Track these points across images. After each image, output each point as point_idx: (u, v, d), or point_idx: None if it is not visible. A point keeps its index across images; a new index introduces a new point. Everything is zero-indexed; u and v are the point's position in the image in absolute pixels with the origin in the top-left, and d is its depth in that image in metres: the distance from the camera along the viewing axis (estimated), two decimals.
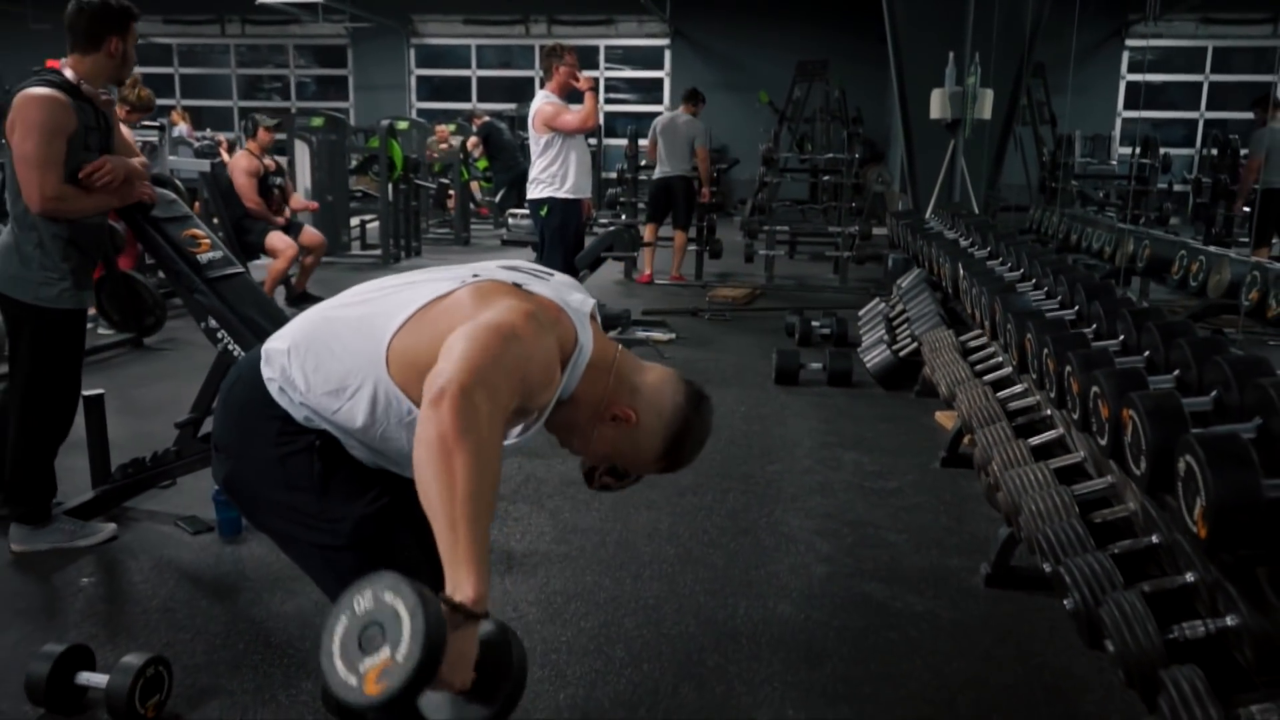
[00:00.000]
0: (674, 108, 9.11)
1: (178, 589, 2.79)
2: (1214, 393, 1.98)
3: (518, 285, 1.53)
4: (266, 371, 1.58)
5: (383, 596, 1.07)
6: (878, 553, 3.09)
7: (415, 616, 1.05)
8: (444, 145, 11.44)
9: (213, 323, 3.03)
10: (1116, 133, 13.83)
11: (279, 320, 3.13)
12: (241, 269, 3.18)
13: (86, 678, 2.18)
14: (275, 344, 1.60)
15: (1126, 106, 14.38)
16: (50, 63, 2.90)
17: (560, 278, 1.66)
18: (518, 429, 1.55)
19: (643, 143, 9.04)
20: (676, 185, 8.21)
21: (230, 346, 3.03)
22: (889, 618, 2.68)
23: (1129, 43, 14.21)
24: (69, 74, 2.84)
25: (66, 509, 3.12)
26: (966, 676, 2.39)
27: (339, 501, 1.56)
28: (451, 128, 12.43)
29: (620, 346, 1.64)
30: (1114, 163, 11.54)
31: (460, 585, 1.16)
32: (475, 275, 1.56)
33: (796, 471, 3.82)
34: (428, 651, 1.03)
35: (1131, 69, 14.39)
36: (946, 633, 2.60)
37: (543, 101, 5.64)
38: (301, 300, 6.65)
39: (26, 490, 2.96)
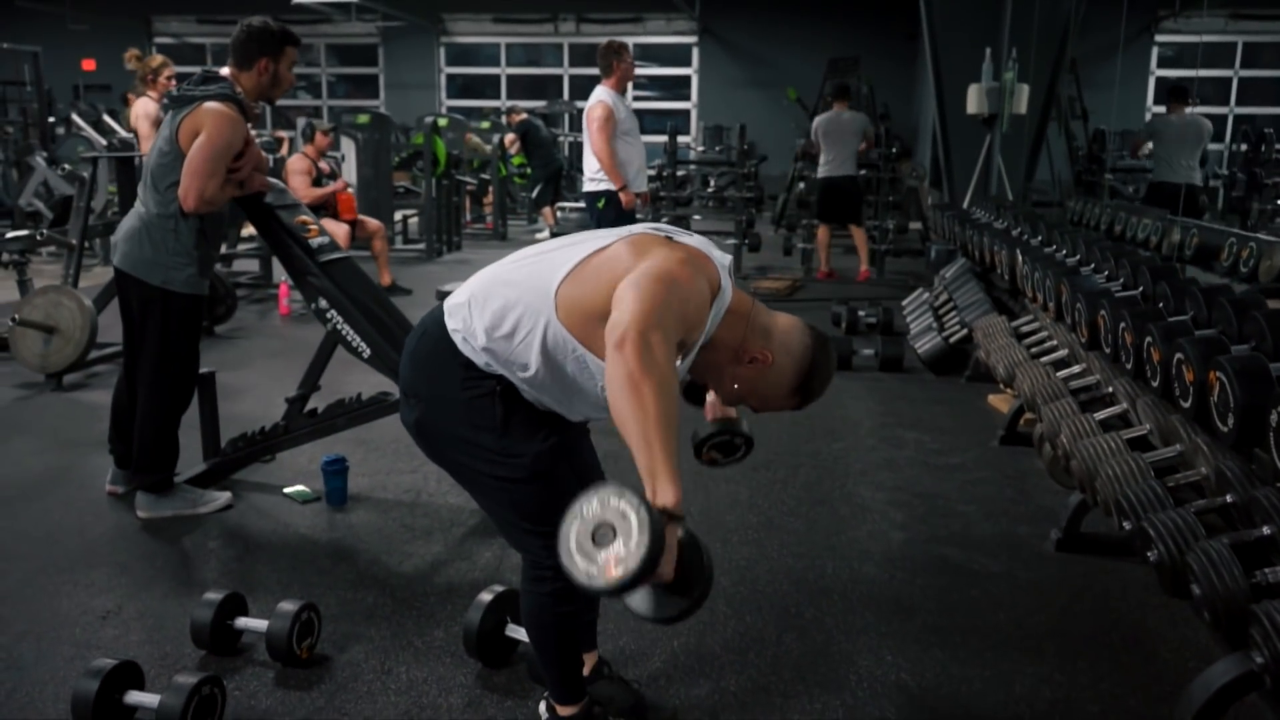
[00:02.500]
0: (700, 104, 9.24)
1: (299, 551, 2.99)
2: None
3: (669, 237, 1.73)
4: (450, 324, 1.79)
5: (608, 501, 1.32)
6: (950, 521, 3.27)
7: (640, 513, 1.29)
8: (471, 145, 11.68)
9: (323, 303, 3.22)
10: None
11: (383, 300, 3.34)
12: (347, 254, 3.38)
13: (244, 622, 2.38)
14: (456, 299, 1.81)
15: (1156, 102, 14.44)
16: (224, 72, 3.10)
17: (700, 237, 1.85)
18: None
19: (679, 140, 9.17)
20: (846, 185, 8.37)
21: (340, 326, 3.22)
22: (969, 577, 2.85)
23: (1158, 38, 14.28)
24: (227, 72, 3.08)
25: (184, 479, 3.33)
26: (1049, 628, 2.57)
27: (518, 439, 1.77)
28: (485, 125, 12.62)
29: (755, 298, 1.83)
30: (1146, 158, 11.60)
31: (661, 492, 1.39)
32: (631, 231, 1.76)
33: (861, 449, 4.00)
34: (654, 539, 1.27)
35: (1161, 64, 14.45)
36: (1025, 590, 2.78)
37: (596, 101, 5.78)
38: (392, 292, 6.81)
39: (154, 460, 3.17)
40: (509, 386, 1.77)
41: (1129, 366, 2.64)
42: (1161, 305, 2.96)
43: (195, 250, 3.05)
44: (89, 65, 16.00)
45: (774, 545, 3.05)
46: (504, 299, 1.75)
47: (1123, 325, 2.63)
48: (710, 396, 1.99)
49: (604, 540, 1.29)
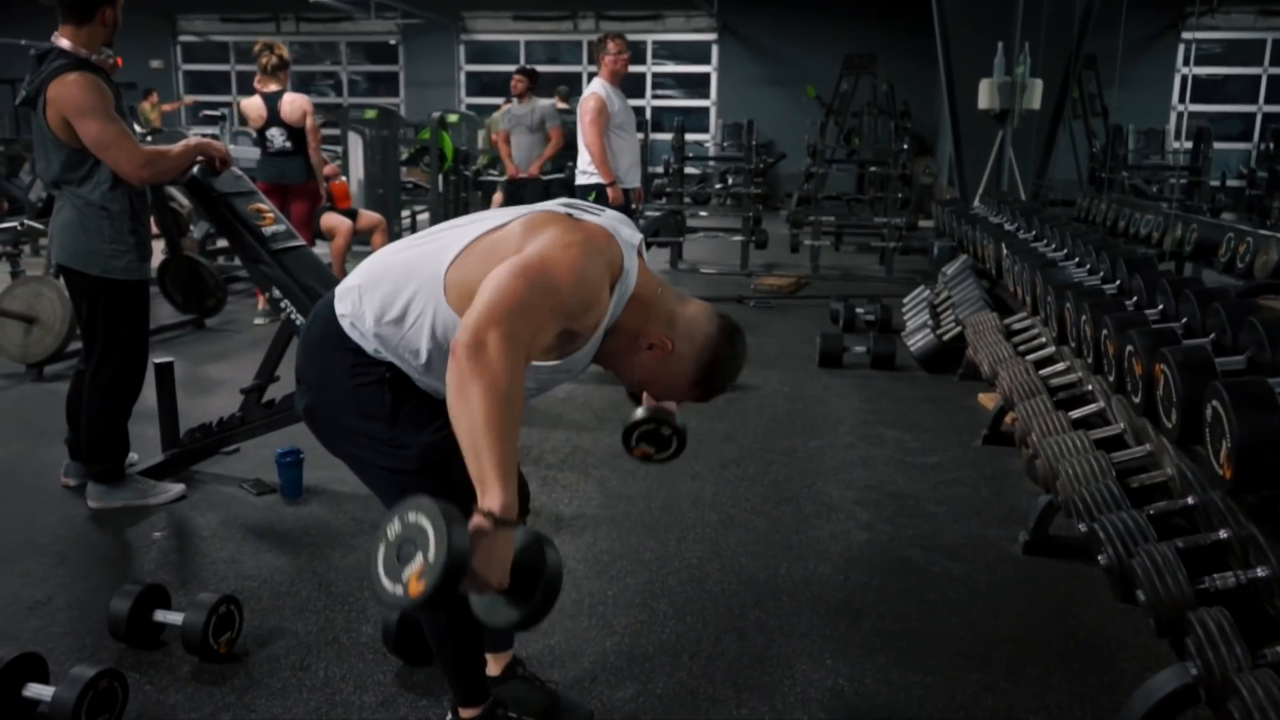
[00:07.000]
0: (720, 102, 9.09)
1: (243, 543, 2.94)
2: (1248, 352, 2.02)
3: (569, 215, 1.64)
4: (339, 308, 1.71)
5: (407, 517, 1.26)
6: (918, 522, 3.15)
7: (437, 524, 1.22)
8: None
9: (276, 292, 3.17)
10: (1171, 127, 13.63)
11: None
12: (303, 242, 3.32)
13: (163, 615, 2.32)
14: (347, 283, 1.73)
15: (1182, 100, 14.15)
16: (63, 45, 2.92)
17: (612, 213, 1.75)
18: (574, 350, 1.64)
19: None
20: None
21: (293, 315, 3.16)
22: (927, 580, 2.74)
23: (1184, 35, 13.98)
24: (66, 44, 2.91)
25: (139, 470, 3.29)
26: (1002, 634, 2.45)
27: (407, 429, 1.69)
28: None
29: (663, 281, 1.73)
30: (1171, 154, 11.39)
31: (487, 497, 1.32)
32: (532, 210, 1.67)
33: (839, 447, 3.89)
34: (452, 548, 1.21)
35: (1187, 62, 14.15)
36: (983, 594, 2.66)
37: (589, 93, 5.71)
38: None
39: (103, 450, 3.13)
40: (399, 374, 1.69)
41: (1090, 360, 2.52)
42: (1136, 299, 2.83)
43: (130, 237, 2.99)
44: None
45: (730, 544, 2.96)
46: (394, 282, 1.67)
47: (1084, 317, 2.51)
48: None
49: (407, 557, 1.23)
